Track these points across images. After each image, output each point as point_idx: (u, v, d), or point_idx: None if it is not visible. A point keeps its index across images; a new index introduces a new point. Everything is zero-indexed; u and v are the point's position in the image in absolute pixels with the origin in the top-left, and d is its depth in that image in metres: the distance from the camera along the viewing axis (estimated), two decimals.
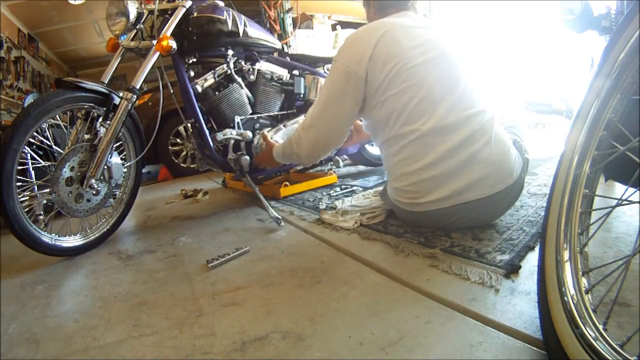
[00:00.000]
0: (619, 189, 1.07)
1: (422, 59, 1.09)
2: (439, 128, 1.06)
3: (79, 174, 1.39)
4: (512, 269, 0.87)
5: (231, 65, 1.70)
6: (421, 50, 1.10)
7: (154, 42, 1.49)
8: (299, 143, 1.27)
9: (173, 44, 1.49)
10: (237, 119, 1.71)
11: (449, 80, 1.10)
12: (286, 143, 1.37)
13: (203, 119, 1.64)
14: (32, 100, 1.38)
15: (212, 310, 0.90)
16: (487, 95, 1.15)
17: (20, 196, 1.29)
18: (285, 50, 3.06)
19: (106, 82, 1.51)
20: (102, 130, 1.43)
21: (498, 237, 1.07)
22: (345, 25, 3.80)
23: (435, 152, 1.07)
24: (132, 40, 1.58)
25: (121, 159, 1.61)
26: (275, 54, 2.05)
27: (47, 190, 1.42)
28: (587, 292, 0.58)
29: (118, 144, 1.57)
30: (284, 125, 1.87)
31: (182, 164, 3.64)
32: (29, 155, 1.43)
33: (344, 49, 1.17)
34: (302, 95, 1.99)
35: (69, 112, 1.44)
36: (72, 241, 1.45)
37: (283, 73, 1.93)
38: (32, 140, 1.33)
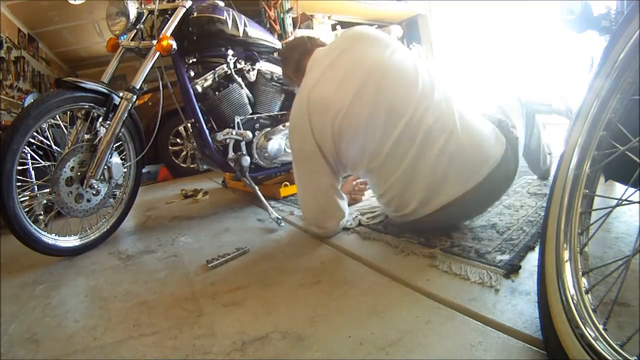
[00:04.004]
0: (619, 189, 1.07)
1: (351, 94, 1.06)
2: (394, 146, 1.04)
3: (79, 174, 1.39)
4: (512, 269, 0.87)
5: (231, 65, 1.70)
6: (347, 87, 1.07)
7: (154, 42, 1.48)
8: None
9: (173, 44, 1.49)
10: (237, 119, 1.71)
11: (386, 95, 1.05)
12: None
13: (203, 119, 1.64)
14: (32, 100, 1.38)
15: (212, 310, 0.90)
16: (434, 83, 1.07)
17: (20, 196, 1.29)
18: None
19: (106, 82, 1.51)
20: (102, 130, 1.43)
21: (498, 237, 1.07)
22: (345, 25, 3.79)
23: (399, 169, 1.04)
24: (132, 40, 1.58)
25: (121, 159, 1.61)
26: (275, 54, 2.05)
27: (47, 190, 1.42)
28: (587, 292, 0.58)
29: (118, 144, 1.57)
30: (284, 126, 1.87)
31: (182, 164, 3.64)
32: (29, 155, 1.43)
33: (291, 134, 1.23)
34: None
35: (69, 112, 1.44)
36: (72, 241, 1.45)
37: None
38: (32, 140, 1.33)
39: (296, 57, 1.31)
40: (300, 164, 1.22)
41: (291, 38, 1.41)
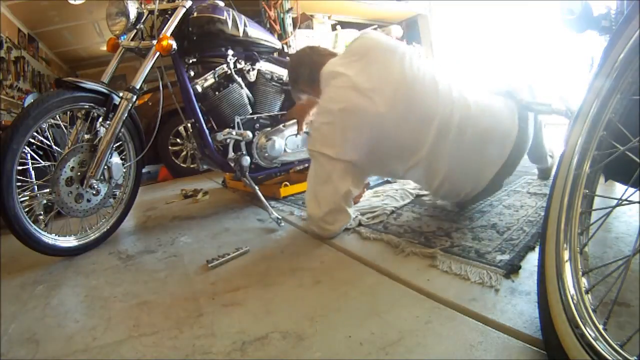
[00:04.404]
0: (619, 189, 1.07)
1: (385, 105, 1.14)
2: (433, 146, 1.13)
3: (79, 174, 1.39)
4: (512, 269, 0.87)
5: (231, 66, 1.70)
6: (380, 99, 1.14)
7: (154, 42, 1.48)
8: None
9: (173, 44, 1.48)
10: (237, 119, 1.71)
11: (415, 104, 1.14)
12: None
13: (203, 119, 1.64)
14: (32, 100, 1.38)
15: (212, 310, 0.90)
16: (450, 83, 1.18)
17: (20, 196, 1.29)
18: (285, 50, 3.06)
19: (106, 82, 1.51)
20: (102, 130, 1.43)
21: (498, 237, 1.07)
22: (345, 25, 3.79)
23: (443, 166, 1.15)
24: (132, 40, 1.58)
25: (121, 159, 1.61)
26: (275, 54, 2.05)
27: (47, 190, 1.42)
28: (587, 292, 0.58)
29: (118, 144, 1.57)
30: (284, 126, 1.87)
31: (182, 164, 3.63)
32: (29, 155, 1.43)
33: (316, 139, 1.25)
34: None
35: (69, 112, 1.44)
36: (72, 241, 1.45)
37: (283, 73, 1.92)
38: (32, 140, 1.33)
39: (307, 71, 1.39)
40: (321, 165, 1.24)
41: (293, 53, 1.48)
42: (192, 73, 1.68)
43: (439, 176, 1.18)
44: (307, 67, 1.39)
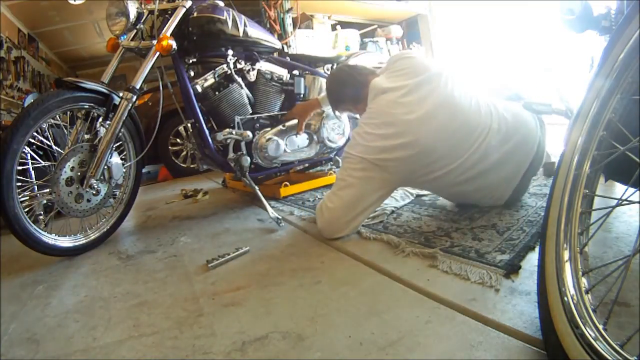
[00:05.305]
0: (619, 189, 1.07)
1: (435, 126, 1.18)
2: (480, 158, 1.21)
3: (79, 174, 1.39)
4: (512, 269, 0.87)
5: (231, 66, 1.70)
6: (429, 120, 1.18)
7: (154, 42, 1.48)
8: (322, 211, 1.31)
9: (173, 44, 1.48)
10: (237, 119, 1.71)
11: (458, 124, 1.20)
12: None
13: (203, 119, 1.64)
14: (32, 100, 1.38)
15: (212, 310, 0.90)
16: (486, 102, 1.26)
17: (20, 196, 1.29)
18: (285, 50, 3.06)
19: (106, 82, 1.51)
20: (102, 130, 1.43)
21: (498, 237, 1.07)
22: (345, 25, 3.79)
23: (489, 175, 1.24)
24: (132, 40, 1.58)
25: (121, 159, 1.61)
26: (275, 54, 2.05)
27: (47, 190, 1.42)
28: (587, 292, 0.58)
29: (118, 144, 1.57)
30: (284, 126, 1.87)
31: (182, 164, 3.63)
32: (29, 155, 1.43)
33: (360, 142, 1.23)
34: (302, 95, 1.98)
35: (69, 112, 1.44)
36: (72, 241, 1.45)
37: (283, 73, 1.93)
38: (32, 140, 1.33)
39: (351, 91, 1.40)
40: (361, 169, 1.23)
41: (331, 73, 1.55)
42: (192, 73, 1.68)
43: (485, 185, 1.25)
44: (352, 87, 1.40)
